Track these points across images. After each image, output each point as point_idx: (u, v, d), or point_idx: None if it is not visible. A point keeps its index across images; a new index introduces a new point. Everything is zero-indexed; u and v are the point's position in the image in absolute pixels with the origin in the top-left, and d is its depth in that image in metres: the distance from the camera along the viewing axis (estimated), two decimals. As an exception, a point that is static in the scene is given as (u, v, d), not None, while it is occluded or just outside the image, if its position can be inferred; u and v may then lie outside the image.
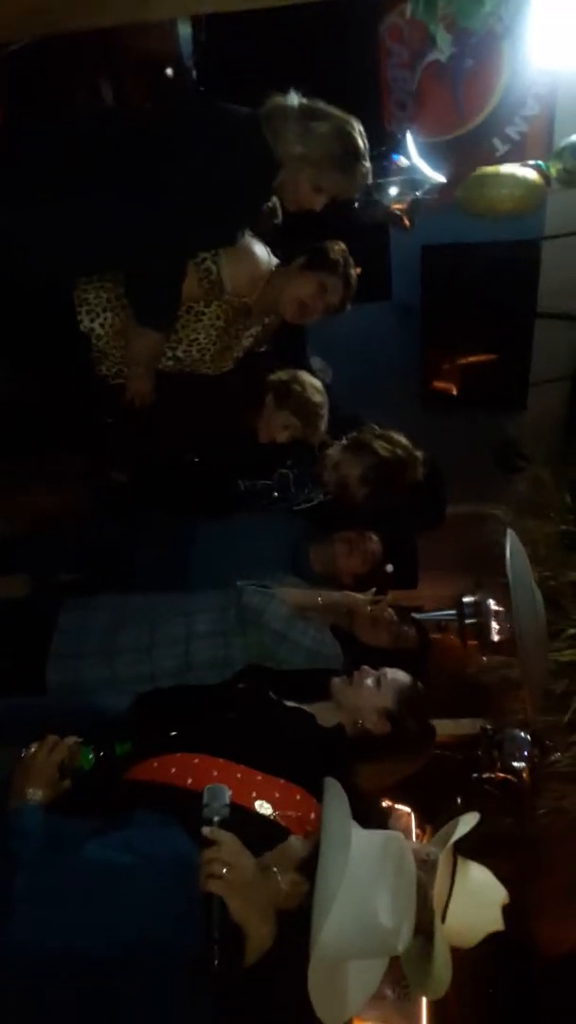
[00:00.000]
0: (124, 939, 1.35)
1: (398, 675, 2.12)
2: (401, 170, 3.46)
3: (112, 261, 2.40)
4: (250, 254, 2.60)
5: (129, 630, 2.42)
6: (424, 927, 1.57)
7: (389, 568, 2.79)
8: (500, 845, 3.55)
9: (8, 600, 2.76)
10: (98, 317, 2.51)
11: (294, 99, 2.34)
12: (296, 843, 1.51)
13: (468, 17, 2.49)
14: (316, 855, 1.46)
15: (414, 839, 4.36)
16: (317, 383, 2.91)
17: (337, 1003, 1.44)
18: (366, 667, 2.12)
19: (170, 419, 2.67)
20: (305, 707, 2.02)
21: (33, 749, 1.69)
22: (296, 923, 1.41)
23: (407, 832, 4.32)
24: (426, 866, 1.60)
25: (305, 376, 2.89)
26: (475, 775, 3.53)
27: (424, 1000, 3.87)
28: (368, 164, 2.45)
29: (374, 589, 2.58)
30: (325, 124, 2.34)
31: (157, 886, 1.40)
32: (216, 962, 1.31)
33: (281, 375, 2.87)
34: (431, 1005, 3.84)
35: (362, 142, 2.40)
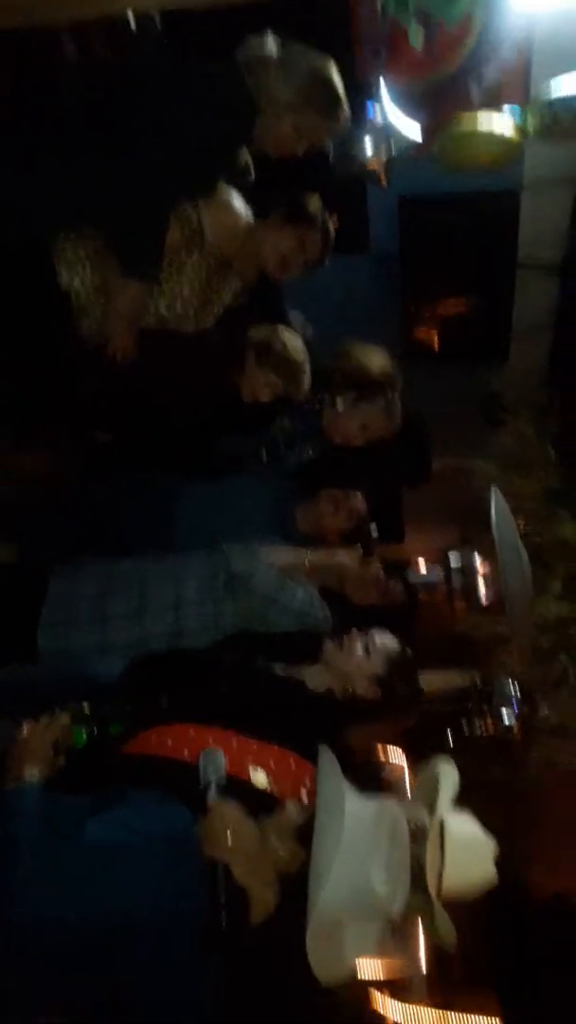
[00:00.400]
0: (128, 914, 1.39)
1: (387, 640, 2.14)
2: (376, 123, 3.37)
3: (95, 214, 2.37)
4: (229, 205, 2.59)
5: (119, 596, 2.42)
6: (421, 889, 1.62)
7: (374, 529, 2.78)
8: (491, 793, 3.65)
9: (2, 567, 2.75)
10: (78, 273, 2.47)
11: (272, 43, 2.32)
12: (293, 810, 1.55)
13: (441, 11, 2.44)
14: (312, 823, 1.50)
15: (408, 792, 4.46)
16: (298, 340, 2.87)
17: (335, 963, 1.49)
18: (356, 632, 2.14)
19: (152, 378, 2.64)
20: (295, 672, 2.05)
21: (27, 729, 1.70)
22: (294, 888, 1.46)
23: (401, 784, 4.41)
24: (416, 836, 1.63)
25: (286, 333, 2.86)
26: (466, 727, 3.59)
27: (422, 938, 3.98)
28: (347, 107, 2.44)
29: (360, 549, 2.58)
30: (304, 67, 2.33)
31: (156, 862, 1.43)
32: (224, 924, 1.36)
33: (261, 332, 2.83)
34: (430, 947, 3.95)
35: (340, 85, 2.39)
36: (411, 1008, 3.87)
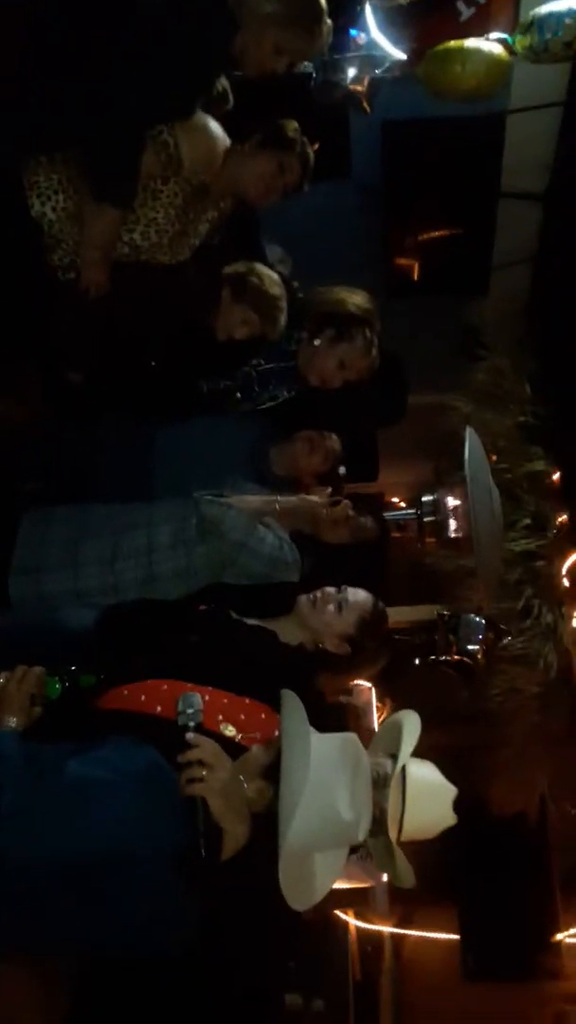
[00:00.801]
0: (109, 844, 1.44)
1: (359, 597, 2.18)
2: (359, 47, 3.26)
3: (68, 136, 2.30)
4: (207, 130, 2.52)
5: (91, 541, 2.43)
6: (383, 833, 1.71)
7: (342, 470, 2.79)
8: (457, 718, 3.79)
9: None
10: (49, 200, 2.40)
11: None
12: (258, 751, 1.61)
13: None
14: (278, 761, 1.56)
15: (374, 712, 4.61)
16: (275, 275, 2.83)
17: (305, 890, 1.57)
18: (329, 590, 2.18)
19: (126, 313, 2.59)
20: (267, 624, 2.09)
21: (2, 679, 1.74)
22: (263, 824, 1.52)
23: (368, 705, 4.56)
24: (378, 783, 1.71)
25: (262, 268, 2.81)
26: (432, 657, 3.70)
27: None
28: (329, 23, 2.37)
29: (329, 490, 2.60)
30: None
31: (136, 797, 1.48)
32: (203, 854, 1.42)
33: (237, 267, 2.78)
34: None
35: (323, 3, 2.32)
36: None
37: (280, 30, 2.28)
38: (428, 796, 1.78)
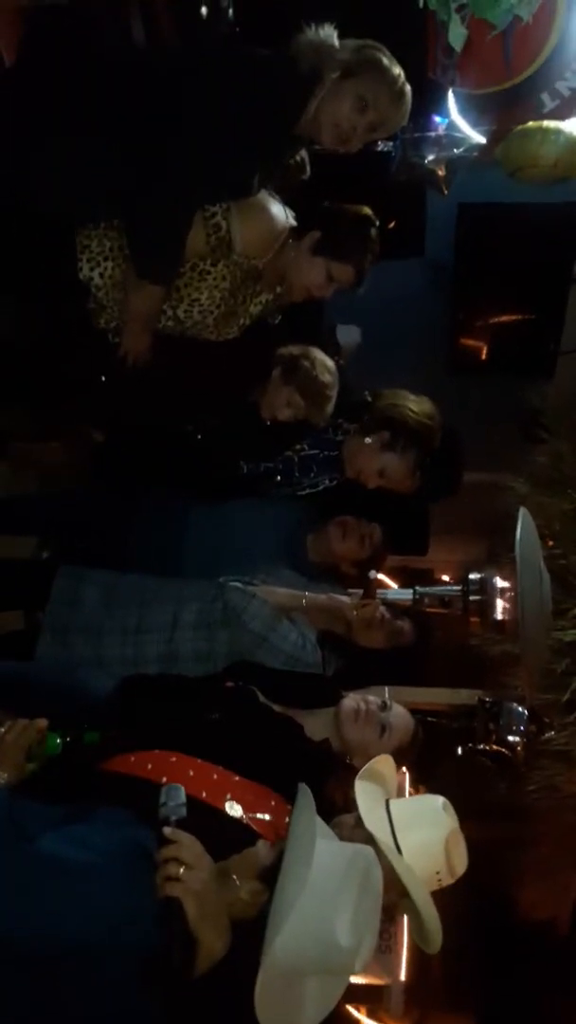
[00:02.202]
0: (67, 935, 1.32)
1: (402, 723, 2.09)
2: (440, 136, 3.31)
3: (116, 206, 2.28)
4: (265, 211, 2.45)
5: (119, 610, 2.40)
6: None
7: (372, 574, 2.67)
8: (491, 812, 3.62)
9: (13, 561, 2.76)
10: (98, 266, 2.39)
11: (329, 30, 2.24)
12: (262, 849, 1.48)
13: (484, 10, 2.34)
14: (280, 863, 1.42)
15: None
16: (329, 363, 2.78)
17: (287, 1017, 1.39)
18: (373, 707, 2.06)
19: (165, 384, 2.56)
20: (294, 714, 1.99)
21: (2, 730, 1.67)
22: (255, 932, 1.37)
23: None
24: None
25: (317, 353, 2.77)
26: (470, 744, 3.56)
27: (404, 953, 3.98)
28: (409, 88, 2.32)
29: (360, 592, 2.53)
30: (359, 44, 2.28)
31: (109, 884, 1.36)
32: (171, 965, 1.27)
33: (292, 349, 2.74)
34: (411, 958, 3.95)
35: (398, 66, 2.31)
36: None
37: (360, 82, 2.23)
38: (415, 815, 1.66)
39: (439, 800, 1.73)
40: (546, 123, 3.32)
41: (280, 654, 2.33)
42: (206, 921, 1.32)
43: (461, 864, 1.72)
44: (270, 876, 1.40)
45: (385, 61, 2.28)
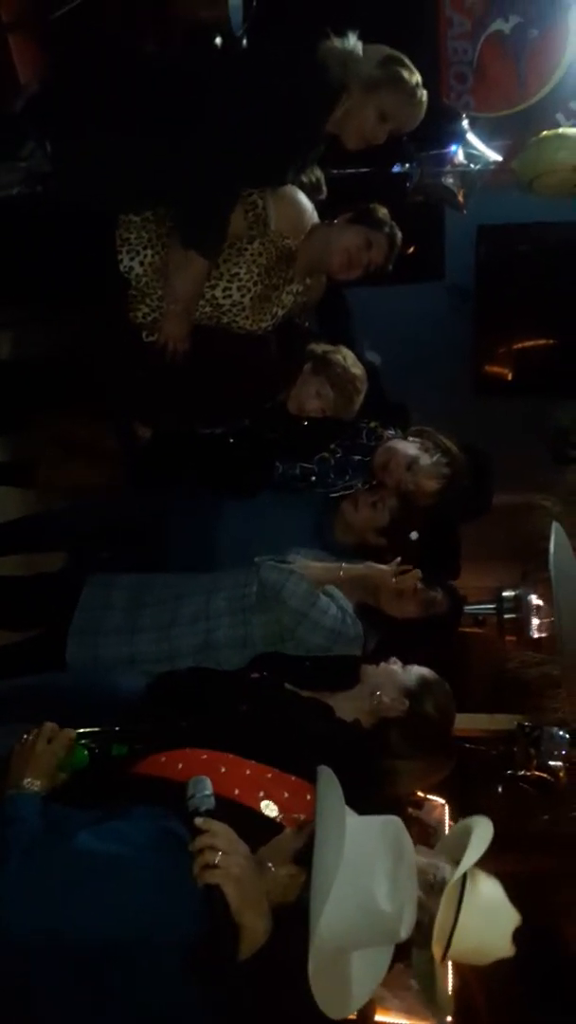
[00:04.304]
0: (110, 930, 1.33)
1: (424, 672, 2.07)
2: (458, 152, 3.33)
3: (162, 195, 2.38)
4: (296, 199, 2.58)
5: (150, 609, 2.39)
6: (427, 946, 1.52)
7: (414, 535, 2.62)
8: (534, 842, 3.50)
9: (44, 575, 2.76)
10: (138, 255, 2.45)
11: (353, 39, 2.33)
12: (290, 834, 1.47)
13: None
14: (311, 845, 1.41)
15: (447, 830, 4.32)
16: (359, 362, 2.80)
17: (341, 994, 1.39)
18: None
19: (198, 382, 2.59)
20: (323, 697, 1.97)
21: (31, 737, 1.66)
22: (296, 916, 1.37)
23: (440, 824, 4.27)
24: (432, 888, 1.53)
25: (348, 351, 2.80)
26: (510, 771, 3.46)
27: (450, 991, 3.82)
28: (426, 95, 2.42)
29: (399, 559, 2.48)
30: (382, 53, 2.36)
31: (147, 877, 1.37)
32: (216, 952, 1.28)
33: (324, 345, 2.79)
34: (456, 998, 3.79)
35: (418, 73, 2.39)
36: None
37: (383, 95, 2.34)
38: (486, 915, 1.57)
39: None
40: (563, 129, 3.33)
41: (321, 629, 2.29)
42: (247, 906, 1.33)
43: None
44: (303, 859, 1.40)
45: (406, 75, 2.37)
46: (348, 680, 2.04)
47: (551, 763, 3.27)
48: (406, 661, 2.08)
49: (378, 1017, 3.20)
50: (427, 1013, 3.70)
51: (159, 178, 2.33)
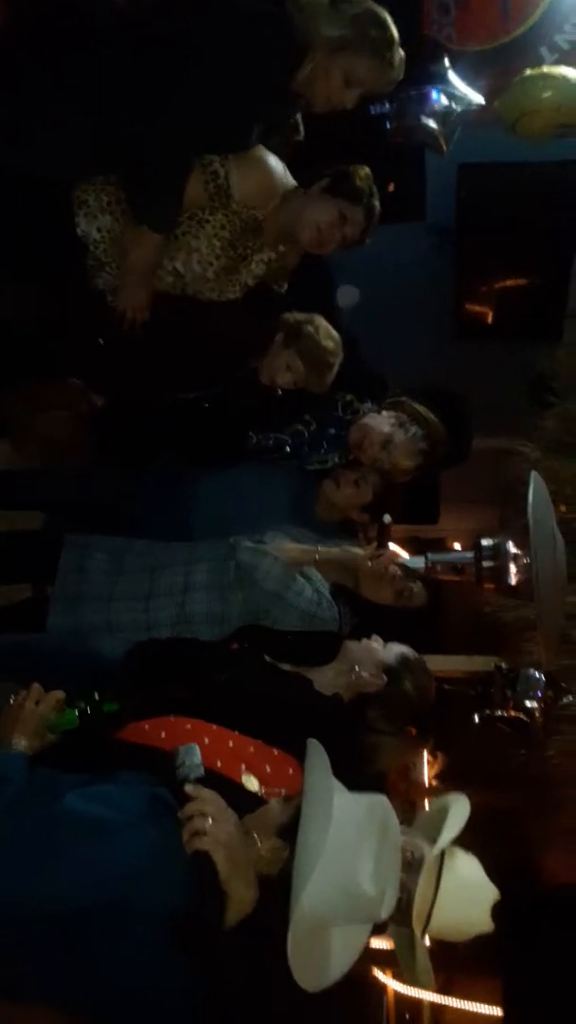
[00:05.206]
0: (94, 890, 1.34)
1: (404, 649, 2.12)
2: (439, 90, 3.24)
3: (115, 155, 2.24)
4: (263, 163, 2.42)
5: (129, 576, 2.39)
6: (406, 923, 1.55)
7: (387, 519, 2.66)
8: (510, 779, 3.61)
9: (18, 532, 2.75)
10: (96, 220, 2.35)
11: None
12: (276, 806, 1.49)
13: None
14: (297, 819, 1.43)
15: (425, 767, 4.44)
16: (335, 334, 2.74)
17: (318, 968, 1.41)
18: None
19: (166, 348, 2.51)
20: (302, 671, 2.00)
21: (19, 698, 1.67)
22: (277, 889, 1.39)
23: (419, 760, 4.39)
24: (411, 866, 1.54)
25: (323, 322, 2.73)
26: (487, 711, 3.54)
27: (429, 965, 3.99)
28: (402, 53, 2.26)
29: (375, 544, 2.50)
30: (357, 7, 2.19)
31: (133, 839, 1.38)
32: (203, 918, 1.29)
33: (297, 315, 2.71)
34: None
35: (395, 31, 2.23)
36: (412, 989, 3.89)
37: (349, 56, 2.18)
38: (464, 892, 1.59)
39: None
40: (547, 68, 3.24)
41: (295, 611, 2.32)
42: (236, 874, 1.34)
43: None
44: (288, 833, 1.42)
45: (375, 35, 2.20)
46: (328, 655, 2.07)
47: (527, 703, 3.35)
48: (387, 639, 2.12)
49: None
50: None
51: (104, 145, 2.19)
